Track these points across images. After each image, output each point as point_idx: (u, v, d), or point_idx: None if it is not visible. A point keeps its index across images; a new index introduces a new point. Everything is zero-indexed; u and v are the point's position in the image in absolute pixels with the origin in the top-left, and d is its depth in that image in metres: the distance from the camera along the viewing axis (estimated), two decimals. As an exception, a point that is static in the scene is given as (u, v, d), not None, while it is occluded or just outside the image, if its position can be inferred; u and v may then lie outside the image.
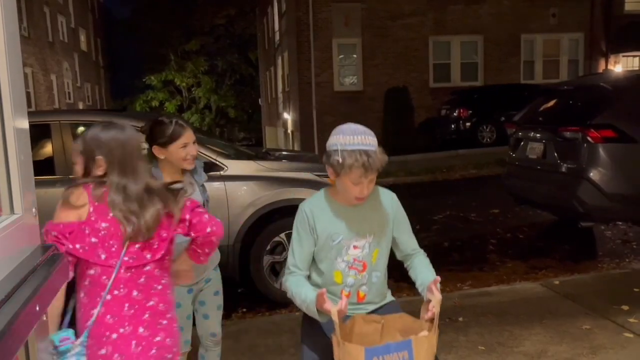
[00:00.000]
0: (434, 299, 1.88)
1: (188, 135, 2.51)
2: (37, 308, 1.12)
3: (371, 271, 2.09)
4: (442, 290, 2.00)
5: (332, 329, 1.85)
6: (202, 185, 2.72)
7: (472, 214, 7.69)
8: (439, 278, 1.97)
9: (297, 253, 2.08)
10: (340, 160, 1.89)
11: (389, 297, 2.22)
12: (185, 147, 2.50)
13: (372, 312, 2.12)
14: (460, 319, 3.82)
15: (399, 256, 2.22)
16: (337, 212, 2.06)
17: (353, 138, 1.91)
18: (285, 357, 3.46)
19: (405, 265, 2.22)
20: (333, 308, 1.81)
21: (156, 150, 2.52)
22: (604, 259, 5.47)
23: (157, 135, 2.51)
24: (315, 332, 2.08)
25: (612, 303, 3.94)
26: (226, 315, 4.52)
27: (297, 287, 2.02)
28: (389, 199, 2.14)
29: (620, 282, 4.52)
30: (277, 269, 4.69)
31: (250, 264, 4.61)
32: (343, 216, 2.06)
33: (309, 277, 2.13)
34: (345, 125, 1.97)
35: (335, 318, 1.81)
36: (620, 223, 6.28)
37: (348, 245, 2.05)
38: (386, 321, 2.01)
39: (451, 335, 3.55)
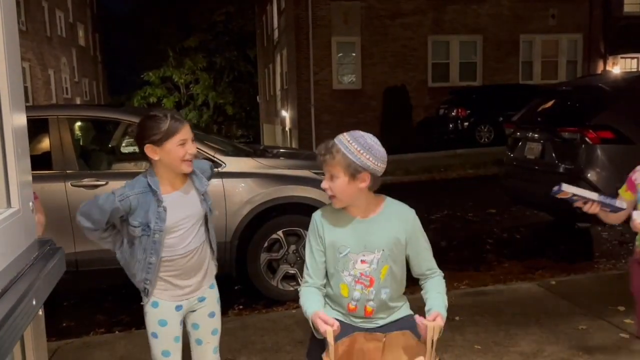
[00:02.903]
0: (430, 325, 1.81)
1: (186, 131, 2.17)
2: (34, 302, 1.11)
3: (379, 288, 2.02)
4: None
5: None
6: (203, 195, 2.34)
7: (469, 214, 7.69)
8: (441, 315, 1.88)
9: (310, 263, 2.07)
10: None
11: (406, 311, 2.12)
12: (184, 145, 2.15)
13: (383, 326, 2.06)
14: (457, 318, 3.82)
15: (414, 274, 2.14)
16: (347, 223, 2.02)
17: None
18: (281, 355, 3.46)
19: (420, 284, 2.14)
20: (328, 329, 1.78)
21: (149, 149, 2.16)
22: (601, 259, 5.48)
23: (150, 131, 2.15)
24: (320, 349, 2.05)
25: (608, 303, 3.94)
26: (223, 312, 4.52)
27: (304, 299, 2.02)
28: (404, 214, 2.07)
29: (616, 282, 4.52)
30: (274, 267, 4.69)
31: (248, 261, 4.61)
32: (352, 229, 2.01)
33: (324, 287, 2.09)
34: (368, 143, 2.01)
35: (329, 339, 1.77)
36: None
37: (355, 259, 2.00)
38: (388, 339, 1.93)
39: (447, 334, 3.55)
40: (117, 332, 4.20)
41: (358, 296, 2.02)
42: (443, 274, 2.14)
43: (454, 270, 5.20)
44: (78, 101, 31.17)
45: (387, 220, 2.03)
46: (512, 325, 3.68)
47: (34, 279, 1.14)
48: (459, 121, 15.46)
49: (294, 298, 4.60)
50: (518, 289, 4.49)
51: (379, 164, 1.94)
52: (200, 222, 2.32)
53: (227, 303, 4.74)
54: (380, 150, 1.96)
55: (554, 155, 5.42)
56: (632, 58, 19.81)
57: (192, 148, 2.19)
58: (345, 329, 1.94)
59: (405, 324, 2.03)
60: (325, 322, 1.83)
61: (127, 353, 3.61)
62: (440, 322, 1.84)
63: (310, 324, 1.93)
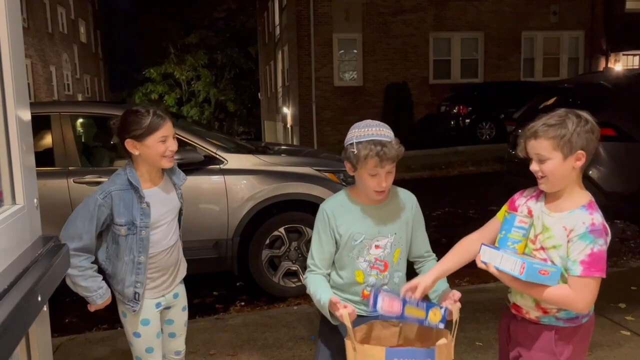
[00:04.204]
0: (454, 308, 1.89)
1: (168, 127, 2.17)
2: (39, 299, 1.12)
3: (393, 271, 2.08)
4: (441, 286, 2.02)
5: (346, 333, 1.84)
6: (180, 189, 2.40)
7: (471, 211, 7.69)
8: (459, 294, 1.95)
9: (317, 254, 2.08)
10: (356, 152, 1.92)
11: None
12: (165, 142, 2.16)
13: None
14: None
15: (410, 257, 2.19)
16: (359, 211, 2.06)
17: (367, 130, 1.95)
18: (282, 351, 3.47)
19: (415, 267, 2.20)
20: (344, 312, 1.81)
21: (129, 144, 2.16)
22: (602, 257, 5.48)
23: (131, 126, 2.14)
24: (332, 330, 2.08)
25: (609, 301, 3.95)
26: (224, 309, 4.55)
27: (315, 286, 2.03)
28: (409, 199, 2.15)
29: (617, 280, 4.52)
30: (276, 263, 4.70)
31: (249, 258, 4.62)
32: (365, 215, 2.05)
33: (329, 275, 2.12)
34: (361, 121, 2.01)
35: (347, 322, 1.80)
36: (618, 222, 6.29)
37: (370, 245, 2.04)
38: (404, 326, 2.00)
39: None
40: (119, 328, 4.21)
41: (373, 281, 2.06)
42: (436, 258, 2.20)
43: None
44: (79, 98, 31.15)
45: (395, 204, 2.10)
46: (513, 322, 3.69)
47: (39, 275, 1.14)
48: (460, 118, 15.45)
49: (296, 295, 4.65)
50: (519, 286, 4.49)
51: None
52: (176, 216, 2.37)
53: (229, 300, 4.76)
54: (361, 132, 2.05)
55: (555, 152, 5.42)
56: (634, 55, 19.76)
57: (173, 145, 2.19)
58: (358, 319, 1.97)
59: None
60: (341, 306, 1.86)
61: (129, 349, 3.62)
62: (458, 302, 1.91)
63: (327, 310, 1.93)
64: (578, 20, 18.47)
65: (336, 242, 2.07)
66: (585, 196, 1.76)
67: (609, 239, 1.70)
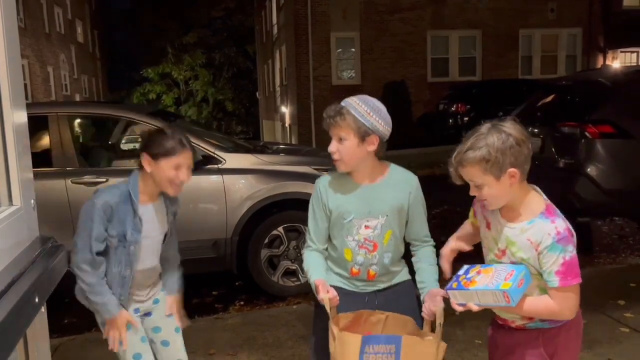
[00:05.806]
0: (437, 310, 1.88)
1: (186, 156, 2.16)
2: (37, 300, 1.12)
3: (382, 252, 2.06)
4: (441, 284, 2.00)
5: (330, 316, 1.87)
6: (173, 214, 2.38)
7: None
8: (440, 297, 1.92)
9: (312, 228, 2.11)
10: None
11: (405, 276, 2.17)
12: (178, 169, 2.15)
13: (385, 289, 2.11)
14: (458, 313, 3.82)
15: (407, 239, 2.17)
16: (351, 190, 2.05)
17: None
18: (282, 350, 3.47)
19: (411, 249, 2.19)
20: (325, 296, 1.83)
21: (145, 159, 2.16)
22: (601, 254, 5.48)
23: (152, 143, 2.16)
24: (325, 324, 2.10)
25: (608, 298, 3.95)
26: (224, 308, 4.55)
27: (308, 264, 2.07)
28: (408, 181, 2.10)
29: (616, 277, 4.53)
30: (275, 262, 4.70)
31: (248, 257, 4.62)
32: (356, 195, 2.04)
33: (327, 250, 2.14)
34: None
35: (326, 306, 1.82)
36: (616, 218, 6.29)
37: (359, 224, 2.03)
38: (390, 316, 2.00)
39: (448, 329, 3.54)
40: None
41: (361, 260, 2.06)
42: (435, 244, 2.19)
43: (455, 264, 5.19)
44: (77, 98, 31.12)
45: (391, 186, 2.06)
46: (512, 320, 3.69)
47: (36, 276, 1.14)
48: (459, 116, 15.43)
49: (295, 293, 4.64)
50: (518, 283, 4.49)
51: (387, 128, 1.98)
52: (160, 237, 2.34)
53: (228, 299, 4.76)
54: (388, 115, 2.00)
55: (553, 150, 5.42)
56: (632, 52, 19.77)
57: (184, 175, 2.16)
58: (346, 296, 2.00)
59: (406, 288, 2.12)
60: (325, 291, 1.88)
61: (128, 349, 3.62)
62: (442, 302, 1.89)
63: (313, 288, 1.96)
64: (576, 17, 18.47)
65: (328, 218, 2.08)
66: (540, 201, 1.73)
67: (575, 239, 1.68)
